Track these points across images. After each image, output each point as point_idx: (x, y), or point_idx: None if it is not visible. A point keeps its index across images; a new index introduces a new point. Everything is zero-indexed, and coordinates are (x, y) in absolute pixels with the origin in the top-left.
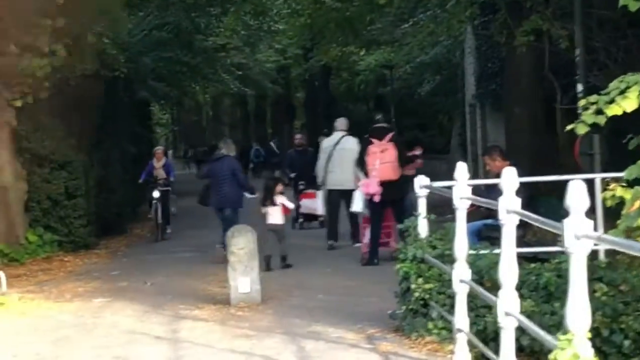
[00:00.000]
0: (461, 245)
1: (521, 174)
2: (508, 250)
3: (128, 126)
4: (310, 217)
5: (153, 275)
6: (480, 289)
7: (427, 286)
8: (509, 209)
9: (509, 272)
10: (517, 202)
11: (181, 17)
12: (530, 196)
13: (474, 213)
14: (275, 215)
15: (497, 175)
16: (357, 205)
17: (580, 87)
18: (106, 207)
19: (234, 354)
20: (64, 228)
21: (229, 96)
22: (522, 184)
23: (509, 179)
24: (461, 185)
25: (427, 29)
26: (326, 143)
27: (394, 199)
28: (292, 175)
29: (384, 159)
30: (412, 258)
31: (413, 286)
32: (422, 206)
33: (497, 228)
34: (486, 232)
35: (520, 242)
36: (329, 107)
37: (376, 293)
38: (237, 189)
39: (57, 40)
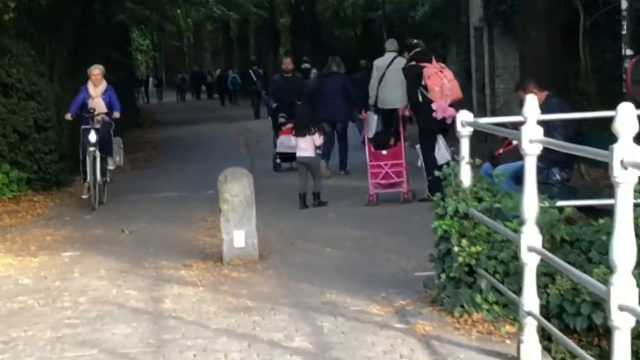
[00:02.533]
0: (531, 202)
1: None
2: (530, 185)
3: (105, 52)
4: (289, 157)
5: (132, 221)
6: (558, 261)
7: (474, 249)
8: (532, 138)
9: (529, 207)
10: (538, 131)
11: None
12: (577, 130)
13: (510, 153)
14: (306, 147)
15: None
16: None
17: (625, 4)
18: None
19: (233, 338)
20: (33, 164)
21: (211, 21)
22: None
23: (624, 115)
24: (531, 124)
25: None
26: (380, 63)
27: (447, 127)
28: (274, 105)
29: (448, 77)
30: (453, 213)
31: (455, 249)
32: (464, 148)
33: (538, 170)
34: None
35: (567, 188)
36: (315, 32)
37: (394, 248)
38: (348, 104)
39: None
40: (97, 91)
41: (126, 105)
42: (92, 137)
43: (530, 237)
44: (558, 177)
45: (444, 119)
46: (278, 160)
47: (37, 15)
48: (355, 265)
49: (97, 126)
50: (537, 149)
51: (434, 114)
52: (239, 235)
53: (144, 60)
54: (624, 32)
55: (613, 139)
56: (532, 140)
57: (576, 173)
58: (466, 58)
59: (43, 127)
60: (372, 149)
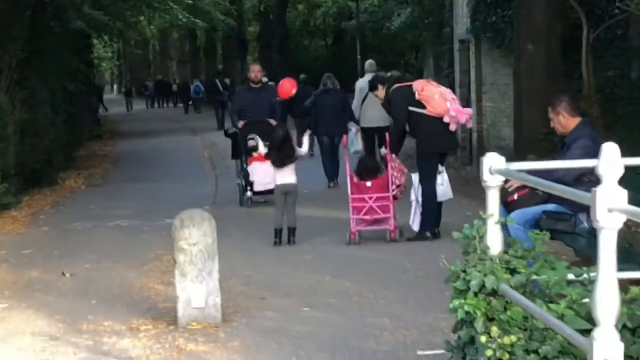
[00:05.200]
0: (610, 296)
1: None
2: (607, 269)
3: (61, 60)
4: (264, 190)
5: (76, 258)
6: None
7: (507, 340)
8: (612, 206)
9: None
10: (623, 195)
11: None
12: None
13: (526, 197)
14: (289, 173)
15: (562, 138)
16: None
17: None
18: (31, 155)
19: None
20: None
21: (177, 29)
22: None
23: (609, 156)
24: (612, 186)
25: None
26: (361, 84)
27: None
28: (240, 123)
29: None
30: (478, 289)
31: (482, 339)
32: (493, 203)
33: (563, 217)
34: (547, 223)
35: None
36: (284, 42)
37: (386, 308)
38: (344, 119)
39: None
40: None
41: (84, 115)
42: None
43: (608, 347)
44: (586, 224)
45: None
46: (249, 194)
47: None
48: (341, 335)
49: None
50: (620, 220)
51: (450, 127)
52: (197, 294)
53: (108, 67)
54: None
55: None
56: (611, 209)
57: None
58: (449, 73)
59: None
60: (355, 180)
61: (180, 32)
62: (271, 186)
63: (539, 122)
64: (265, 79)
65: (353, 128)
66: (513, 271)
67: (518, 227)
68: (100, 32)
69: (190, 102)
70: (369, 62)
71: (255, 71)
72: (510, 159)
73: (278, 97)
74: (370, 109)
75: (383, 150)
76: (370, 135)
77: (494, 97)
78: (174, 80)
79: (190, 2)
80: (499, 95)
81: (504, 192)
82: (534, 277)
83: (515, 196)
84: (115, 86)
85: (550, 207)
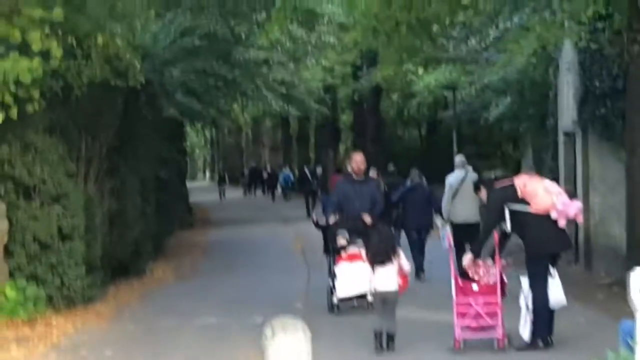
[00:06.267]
0: None
1: None
2: None
3: (152, 148)
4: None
5: None
6: None
7: None
8: None
9: None
10: None
11: (217, 22)
12: None
13: None
14: (388, 277)
15: None
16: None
17: None
18: (120, 246)
19: None
20: (55, 279)
21: (270, 117)
22: None
23: None
24: None
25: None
26: (452, 179)
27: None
28: (331, 219)
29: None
30: None
31: None
32: None
33: None
34: None
35: None
36: (377, 131)
37: None
38: (431, 213)
39: (53, 37)
40: None
41: (176, 203)
42: None
43: None
44: None
45: (563, 236)
46: (335, 300)
47: (73, 106)
48: None
49: None
50: None
51: (559, 224)
52: None
53: (200, 155)
54: None
55: None
56: None
57: None
58: (553, 167)
59: (68, 236)
60: (459, 282)
61: (273, 120)
62: (358, 291)
63: None
64: (372, 173)
65: (439, 222)
66: None
67: None
68: (193, 119)
69: (279, 190)
70: (458, 158)
71: (358, 162)
72: (621, 258)
73: (382, 191)
74: (460, 205)
75: (465, 260)
76: (462, 232)
77: (602, 192)
78: (264, 168)
79: (284, 92)
80: (608, 190)
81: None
82: None
83: None
84: (207, 173)
85: None
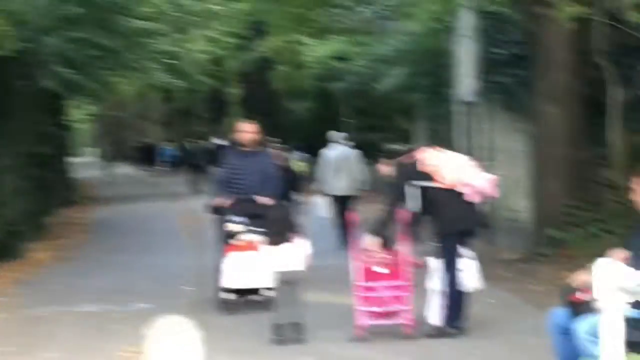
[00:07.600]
0: None
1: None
2: None
3: (28, 122)
4: (245, 289)
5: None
6: None
7: None
8: None
9: None
10: None
11: None
12: None
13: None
14: (290, 257)
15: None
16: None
17: None
18: None
19: None
20: None
21: (155, 90)
22: None
23: None
24: None
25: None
26: (334, 154)
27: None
28: (220, 201)
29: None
30: None
31: None
32: (612, 332)
33: None
34: (634, 336)
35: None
36: (268, 103)
37: None
38: None
39: None
40: None
41: (57, 180)
42: None
43: None
44: None
45: (474, 213)
46: (223, 295)
47: None
48: None
49: None
50: None
51: (467, 200)
52: None
53: (87, 130)
54: None
55: None
56: None
57: None
58: (448, 138)
59: None
60: (362, 263)
61: (157, 93)
62: (248, 284)
63: (560, 193)
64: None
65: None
66: None
67: (590, 338)
68: (72, 92)
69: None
70: (339, 134)
71: (245, 132)
72: (526, 233)
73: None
74: (343, 179)
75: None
76: (340, 204)
77: (504, 164)
78: (151, 143)
79: (168, 63)
80: (509, 162)
81: (568, 289)
82: None
83: (585, 295)
84: (93, 148)
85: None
